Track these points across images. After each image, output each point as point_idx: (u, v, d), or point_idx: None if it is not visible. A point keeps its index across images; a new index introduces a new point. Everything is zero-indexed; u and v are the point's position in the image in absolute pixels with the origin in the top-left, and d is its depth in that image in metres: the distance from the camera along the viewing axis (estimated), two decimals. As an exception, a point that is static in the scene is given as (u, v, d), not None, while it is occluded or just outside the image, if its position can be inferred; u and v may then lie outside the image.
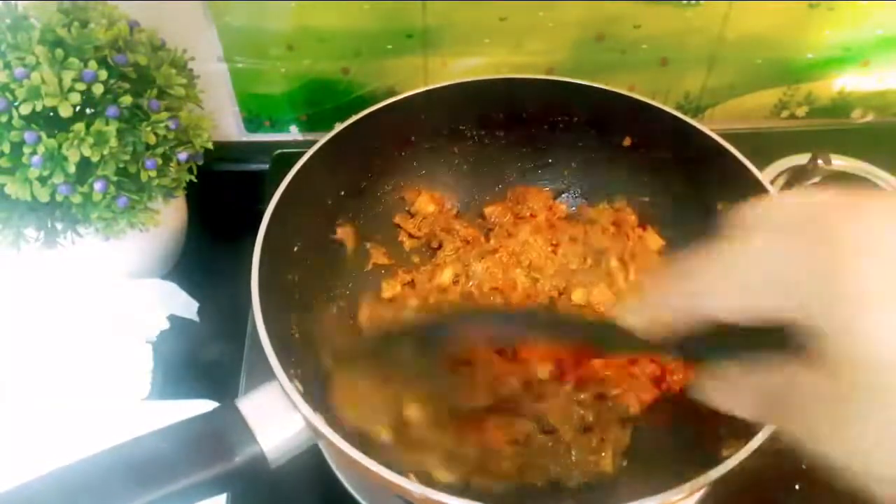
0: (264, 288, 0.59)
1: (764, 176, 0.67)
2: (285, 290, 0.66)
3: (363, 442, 0.54)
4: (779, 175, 0.89)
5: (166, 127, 0.66)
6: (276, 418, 0.52)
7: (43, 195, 0.63)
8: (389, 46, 0.85)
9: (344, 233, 0.74)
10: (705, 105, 0.94)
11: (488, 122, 0.79)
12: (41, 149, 0.61)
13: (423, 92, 0.74)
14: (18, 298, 0.76)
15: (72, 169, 0.62)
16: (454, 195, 0.81)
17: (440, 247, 0.77)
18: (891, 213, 0.31)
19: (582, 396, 0.64)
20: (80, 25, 0.63)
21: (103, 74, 0.62)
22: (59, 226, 0.68)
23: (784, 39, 0.87)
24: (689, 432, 0.62)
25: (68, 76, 0.60)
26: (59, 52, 0.61)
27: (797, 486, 0.66)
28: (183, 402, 0.70)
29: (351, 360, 0.63)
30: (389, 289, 0.75)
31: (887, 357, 0.29)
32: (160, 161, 0.67)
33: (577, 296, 0.72)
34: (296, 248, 0.68)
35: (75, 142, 0.61)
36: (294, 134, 0.96)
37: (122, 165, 0.65)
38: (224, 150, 0.89)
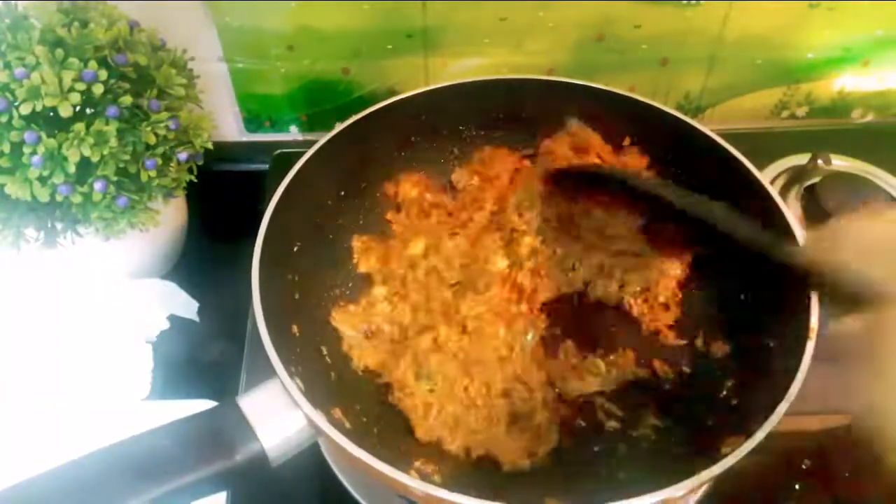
0: (264, 288, 0.59)
1: (764, 176, 0.67)
2: (285, 290, 0.66)
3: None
4: (779, 175, 0.89)
5: (166, 127, 0.66)
6: (277, 416, 0.53)
7: (43, 195, 0.63)
8: (389, 46, 0.85)
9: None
10: (705, 105, 0.94)
11: (488, 122, 0.79)
12: (41, 149, 0.61)
13: (423, 92, 0.75)
14: (18, 298, 0.76)
15: (72, 169, 0.62)
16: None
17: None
18: None
19: None
20: (80, 25, 0.63)
21: (103, 74, 0.62)
22: (59, 226, 0.68)
23: (784, 39, 0.87)
24: (689, 430, 0.62)
25: (68, 76, 0.61)
26: (59, 52, 0.61)
27: (797, 486, 0.66)
28: (183, 402, 0.70)
29: None
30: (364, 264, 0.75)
31: None
32: (160, 161, 0.67)
33: None
34: (296, 248, 0.68)
35: (75, 142, 0.61)
36: (294, 134, 0.96)
37: (122, 165, 0.65)
38: (224, 150, 0.89)
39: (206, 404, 0.69)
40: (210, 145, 0.71)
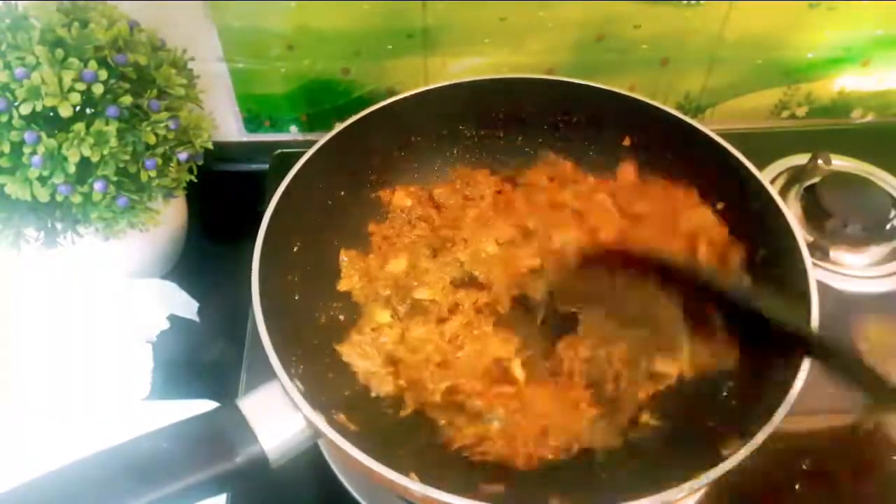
0: (264, 288, 0.59)
1: (764, 176, 0.67)
2: (285, 290, 0.66)
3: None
4: (779, 175, 0.89)
5: (166, 127, 0.66)
6: (277, 418, 0.53)
7: (43, 195, 0.63)
8: (389, 46, 0.85)
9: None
10: (705, 105, 0.94)
11: (488, 122, 0.79)
12: (41, 149, 0.61)
13: (423, 92, 0.75)
14: (18, 298, 0.76)
15: (72, 169, 0.62)
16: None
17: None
18: None
19: None
20: (80, 25, 0.63)
21: (103, 74, 0.62)
22: (59, 226, 0.68)
23: (784, 39, 0.87)
24: (689, 432, 0.62)
25: (68, 76, 0.60)
26: (59, 52, 0.61)
27: (797, 486, 0.66)
28: (183, 402, 0.70)
29: None
30: (346, 282, 0.73)
31: None
32: (160, 161, 0.67)
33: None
34: (296, 248, 0.68)
35: (75, 142, 0.61)
36: (294, 134, 0.96)
37: (122, 165, 0.65)
38: (224, 150, 0.89)
39: (206, 404, 0.69)
40: (210, 145, 0.71)
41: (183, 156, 0.69)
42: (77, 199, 0.64)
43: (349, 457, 0.50)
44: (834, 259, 0.81)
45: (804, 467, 0.67)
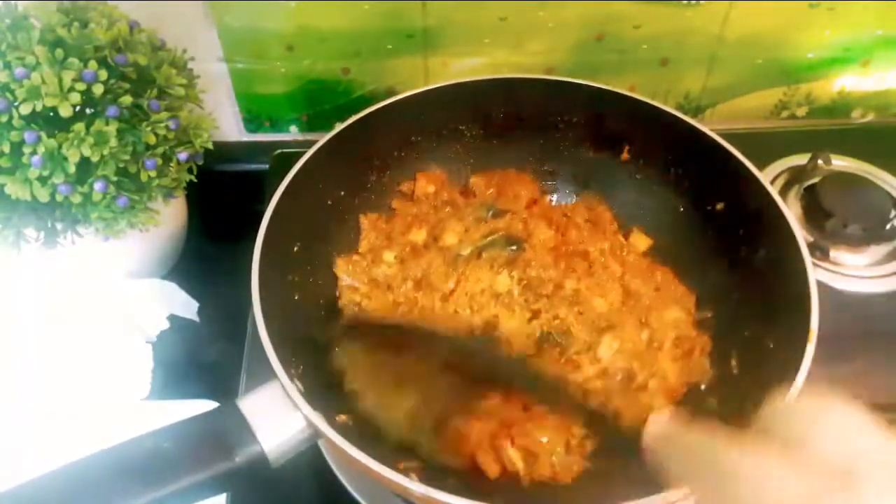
0: (264, 288, 0.59)
1: (764, 176, 0.67)
2: (285, 289, 0.66)
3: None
4: (779, 175, 0.89)
5: (166, 127, 0.66)
6: (277, 418, 0.53)
7: (43, 195, 0.63)
8: (389, 46, 0.85)
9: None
10: (705, 105, 0.94)
11: (488, 122, 0.79)
12: (41, 149, 0.61)
13: (423, 92, 0.75)
14: (18, 298, 0.76)
15: (72, 169, 0.62)
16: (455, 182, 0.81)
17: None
18: None
19: None
20: (80, 25, 0.63)
21: (103, 74, 0.62)
22: (59, 226, 0.68)
23: (784, 39, 0.87)
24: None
25: (68, 76, 0.60)
26: (59, 52, 0.61)
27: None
28: (183, 402, 0.70)
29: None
30: (367, 243, 0.75)
31: None
32: (160, 161, 0.67)
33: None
34: (296, 248, 0.68)
35: (75, 142, 0.61)
36: (294, 134, 0.96)
37: (122, 165, 0.65)
38: (224, 150, 0.89)
39: (206, 404, 0.69)
40: (210, 145, 0.71)
41: (183, 156, 0.69)
42: (77, 199, 0.64)
43: (349, 457, 0.50)
44: (834, 259, 0.81)
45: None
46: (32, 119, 0.61)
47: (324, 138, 0.70)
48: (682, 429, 0.41)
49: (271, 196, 0.65)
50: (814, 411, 0.36)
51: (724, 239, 0.70)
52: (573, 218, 0.77)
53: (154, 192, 0.69)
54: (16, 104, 0.60)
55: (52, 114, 0.61)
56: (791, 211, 0.64)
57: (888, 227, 0.83)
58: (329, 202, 0.73)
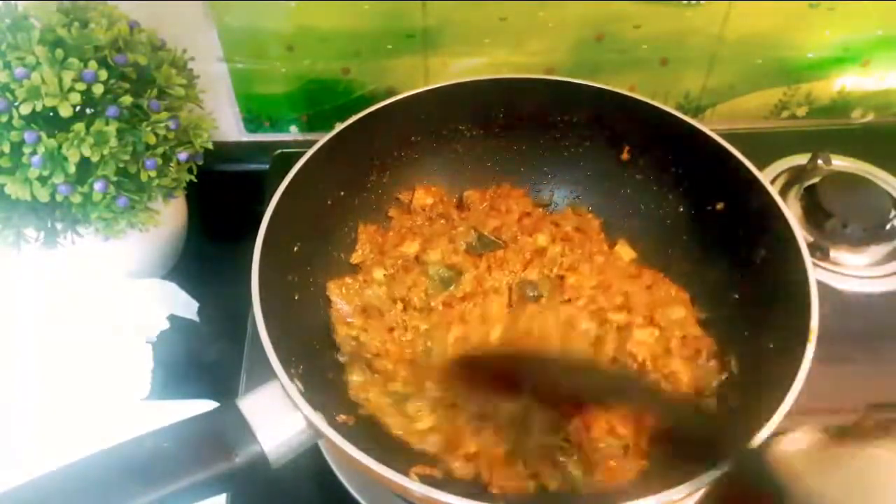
0: (264, 288, 0.59)
1: (764, 176, 0.67)
2: (285, 290, 0.66)
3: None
4: (779, 175, 0.89)
5: (166, 127, 0.66)
6: (277, 418, 0.53)
7: (43, 195, 0.63)
8: (389, 46, 0.85)
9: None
10: (705, 105, 0.94)
11: (488, 122, 0.79)
12: (41, 149, 0.61)
13: (423, 92, 0.75)
14: (18, 298, 0.76)
15: (72, 169, 0.62)
16: (452, 193, 0.81)
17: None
18: None
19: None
20: (80, 25, 0.63)
21: (103, 74, 0.62)
22: (59, 226, 0.68)
23: (784, 39, 0.87)
24: (689, 433, 0.62)
25: (68, 76, 0.60)
26: (59, 52, 0.61)
27: (797, 486, 0.66)
28: (183, 402, 0.70)
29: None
30: (359, 255, 0.75)
31: None
32: (160, 161, 0.67)
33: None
34: (296, 248, 0.68)
35: (75, 142, 0.61)
36: (294, 134, 0.96)
37: (122, 165, 0.65)
38: (224, 150, 0.89)
39: (206, 404, 0.69)
40: (210, 145, 0.71)
41: (183, 156, 0.69)
42: (77, 199, 0.64)
43: (349, 457, 0.50)
44: (834, 259, 0.81)
45: (804, 467, 0.67)
46: (32, 119, 0.61)
47: (324, 138, 0.70)
48: (820, 446, 0.42)
49: (271, 196, 0.65)
50: None
51: (723, 239, 0.70)
52: (562, 227, 0.77)
53: (154, 192, 0.69)
54: (16, 104, 0.60)
55: (52, 114, 0.61)
56: (791, 211, 0.64)
57: (888, 227, 0.83)
58: (329, 202, 0.73)
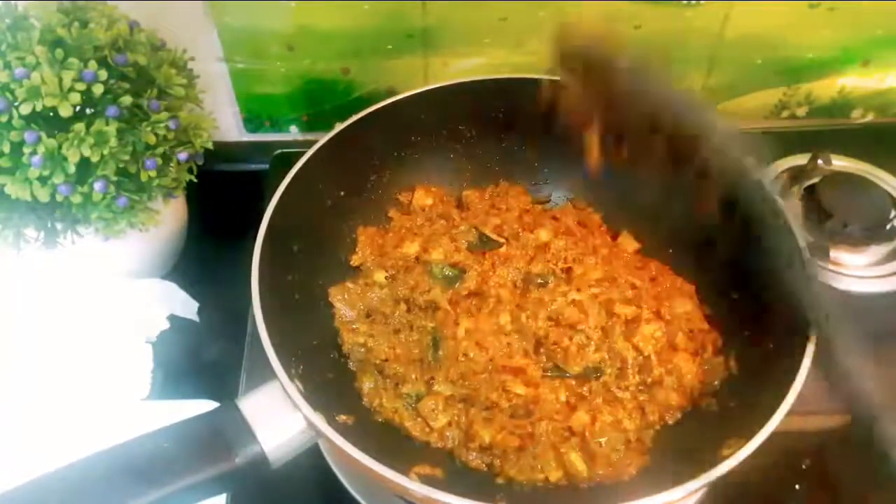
0: (264, 288, 0.59)
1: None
2: (285, 290, 0.66)
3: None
4: (779, 175, 0.89)
5: (166, 127, 0.66)
6: (277, 418, 0.53)
7: (43, 195, 0.63)
8: (389, 46, 0.85)
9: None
10: (705, 105, 0.94)
11: (488, 122, 0.79)
12: (41, 149, 0.61)
13: (423, 92, 0.75)
14: (18, 298, 0.75)
15: (72, 169, 0.62)
16: (451, 193, 0.81)
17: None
18: None
19: None
20: (80, 25, 0.63)
21: (103, 74, 0.62)
22: (59, 226, 0.68)
23: (784, 39, 0.87)
24: (689, 432, 0.62)
25: (68, 76, 0.61)
26: (59, 52, 0.61)
27: (797, 487, 0.66)
28: (183, 402, 0.70)
29: None
30: (358, 257, 0.75)
31: None
32: (160, 161, 0.67)
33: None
34: (296, 248, 0.68)
35: (75, 142, 0.61)
36: (294, 134, 0.96)
37: (122, 165, 0.65)
38: (224, 150, 0.89)
39: (206, 404, 0.69)
40: (210, 145, 0.71)
41: (183, 156, 0.69)
42: (77, 199, 0.64)
43: (349, 457, 0.50)
44: (834, 259, 0.81)
45: (804, 467, 0.67)
46: (32, 119, 0.61)
47: (324, 138, 0.70)
48: None
49: (271, 196, 0.65)
50: None
51: (723, 239, 0.70)
52: (563, 221, 0.77)
53: (154, 192, 0.69)
54: (16, 104, 0.60)
55: (52, 114, 0.61)
56: (791, 211, 0.64)
57: (888, 227, 0.83)
58: (329, 202, 0.73)
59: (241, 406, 0.53)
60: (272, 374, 0.54)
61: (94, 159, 0.62)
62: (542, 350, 0.68)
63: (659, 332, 0.67)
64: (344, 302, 0.70)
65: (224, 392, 0.71)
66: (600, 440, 0.62)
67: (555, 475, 0.60)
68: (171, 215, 0.78)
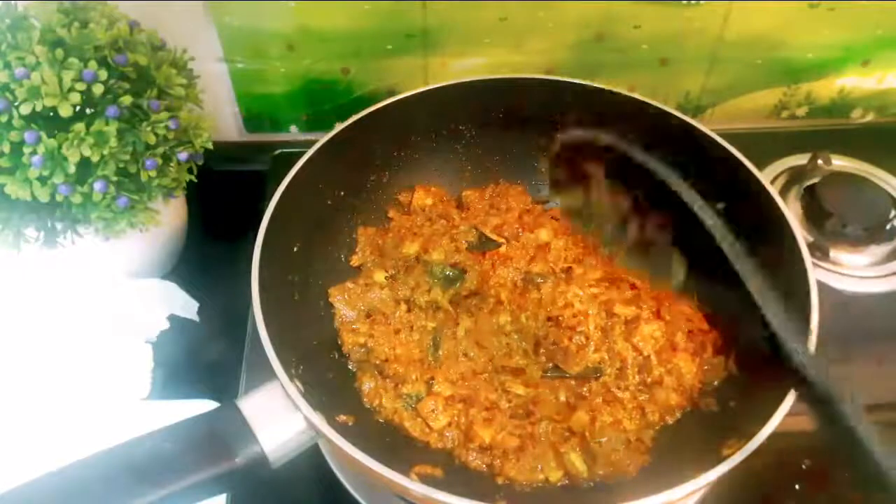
0: (264, 288, 0.59)
1: (764, 176, 0.67)
2: (285, 290, 0.66)
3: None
4: (779, 175, 0.89)
5: (166, 127, 0.66)
6: (277, 418, 0.53)
7: (43, 195, 0.63)
8: (389, 46, 0.85)
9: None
10: (705, 105, 0.94)
11: (488, 122, 0.79)
12: (41, 149, 0.61)
13: (423, 92, 0.74)
14: (18, 298, 0.75)
15: (72, 169, 0.62)
16: (451, 193, 0.81)
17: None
18: None
19: None
20: (80, 25, 0.63)
21: (103, 74, 0.62)
22: (59, 226, 0.68)
23: (784, 39, 0.87)
24: (690, 432, 0.62)
25: (68, 76, 0.60)
26: (59, 52, 0.61)
27: (797, 486, 0.66)
28: (183, 402, 0.70)
29: None
30: (358, 257, 0.75)
31: None
32: (160, 161, 0.67)
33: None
34: (296, 248, 0.68)
35: (75, 142, 0.61)
36: (294, 134, 0.96)
37: (122, 165, 0.65)
38: (224, 150, 0.88)
39: (206, 404, 0.69)
40: (210, 145, 0.71)
41: (183, 156, 0.69)
42: (77, 199, 0.64)
43: (349, 457, 0.50)
44: (834, 259, 0.81)
45: (804, 467, 0.67)
46: (32, 119, 0.61)
47: (324, 138, 0.70)
48: None
49: (271, 196, 0.65)
50: None
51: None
52: (563, 221, 0.77)
53: (154, 192, 0.69)
54: (16, 104, 0.60)
55: (52, 114, 0.61)
56: (791, 211, 0.64)
57: (888, 227, 0.83)
58: (329, 202, 0.73)
59: (241, 406, 0.53)
60: (272, 374, 0.54)
61: (94, 159, 0.62)
62: (541, 350, 0.68)
63: (659, 332, 0.67)
64: (344, 302, 0.70)
65: (224, 392, 0.71)
66: (600, 440, 0.62)
67: (555, 475, 0.60)
68: (171, 215, 0.78)
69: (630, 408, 0.64)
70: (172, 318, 0.77)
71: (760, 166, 0.69)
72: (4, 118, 0.60)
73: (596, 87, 0.75)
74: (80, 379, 0.72)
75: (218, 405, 0.56)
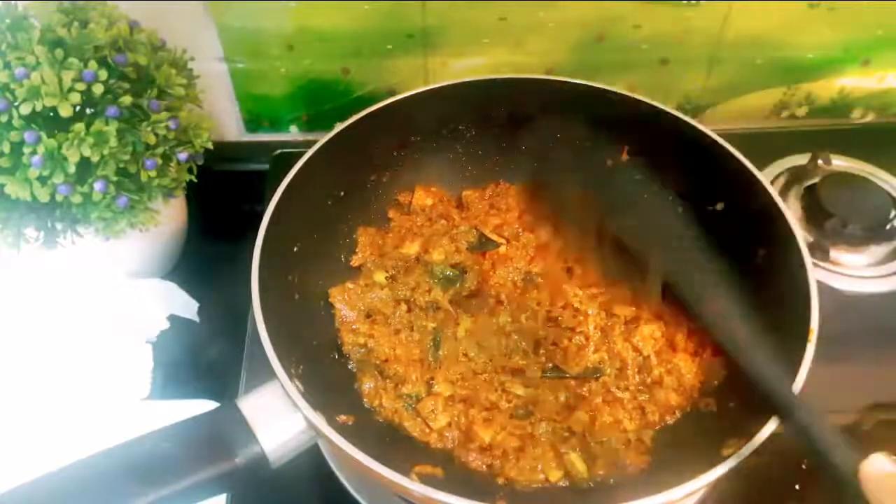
0: (264, 288, 0.59)
1: (764, 176, 0.67)
2: (285, 290, 0.66)
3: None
4: (779, 175, 0.89)
5: (166, 127, 0.66)
6: (277, 418, 0.53)
7: (43, 195, 0.63)
8: (389, 46, 0.85)
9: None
10: (705, 105, 0.94)
11: (488, 122, 0.79)
12: (41, 149, 0.61)
13: (423, 92, 0.74)
14: (18, 298, 0.75)
15: (72, 169, 0.62)
16: (451, 193, 0.81)
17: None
18: None
19: None
20: (80, 25, 0.63)
21: (103, 74, 0.62)
22: (59, 226, 0.68)
23: (784, 39, 0.87)
24: (690, 432, 0.62)
25: (68, 76, 0.60)
26: (59, 52, 0.61)
27: (797, 486, 0.66)
28: (183, 402, 0.70)
29: None
30: (359, 258, 0.75)
31: None
32: (160, 161, 0.67)
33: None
34: (296, 249, 0.68)
35: (75, 142, 0.61)
36: (294, 134, 0.96)
37: (122, 165, 0.65)
38: (224, 150, 0.89)
39: (206, 404, 0.69)
40: (210, 145, 0.71)
41: (183, 156, 0.69)
42: (77, 199, 0.64)
43: (349, 457, 0.50)
44: (834, 259, 0.81)
45: (804, 467, 0.67)
46: (32, 119, 0.61)
47: (324, 138, 0.70)
48: None
49: (271, 196, 0.65)
50: None
51: (723, 239, 0.70)
52: None
53: (154, 192, 0.69)
54: (16, 104, 0.60)
55: (52, 114, 0.61)
56: (791, 211, 0.64)
57: (888, 227, 0.83)
58: (329, 202, 0.73)
59: (241, 406, 0.53)
60: (272, 374, 0.54)
61: (94, 159, 0.62)
62: (541, 350, 0.68)
63: (658, 332, 0.67)
64: (344, 302, 0.70)
65: (224, 392, 0.71)
66: (600, 440, 0.62)
67: (555, 475, 0.60)
68: (171, 215, 0.78)
69: (630, 408, 0.64)
70: (172, 318, 0.77)
71: (760, 166, 0.69)
72: (4, 118, 0.60)
73: (596, 88, 0.75)
74: (80, 379, 0.72)
75: (218, 405, 0.56)
